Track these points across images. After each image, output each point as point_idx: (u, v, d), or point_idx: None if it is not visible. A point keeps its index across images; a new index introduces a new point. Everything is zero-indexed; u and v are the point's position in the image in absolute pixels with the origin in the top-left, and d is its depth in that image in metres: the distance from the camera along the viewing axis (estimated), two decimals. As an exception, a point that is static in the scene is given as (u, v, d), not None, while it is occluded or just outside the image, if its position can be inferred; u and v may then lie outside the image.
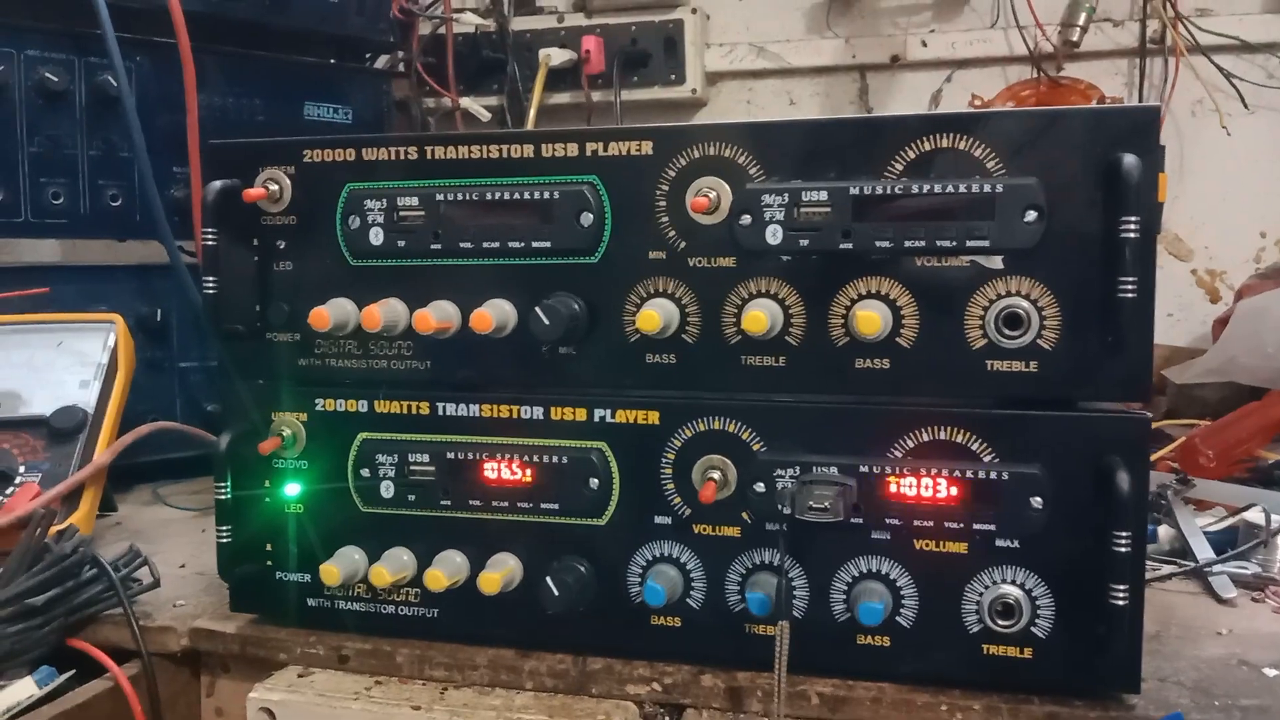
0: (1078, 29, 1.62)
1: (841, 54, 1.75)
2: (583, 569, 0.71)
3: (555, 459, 0.72)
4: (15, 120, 1.15)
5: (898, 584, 0.67)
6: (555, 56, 1.74)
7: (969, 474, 0.65)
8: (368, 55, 1.54)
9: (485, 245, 0.72)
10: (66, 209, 1.20)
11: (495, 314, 0.70)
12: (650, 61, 1.75)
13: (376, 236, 0.73)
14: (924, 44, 1.72)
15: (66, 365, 1.04)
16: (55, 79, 1.16)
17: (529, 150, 0.72)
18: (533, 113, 1.73)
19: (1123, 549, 0.61)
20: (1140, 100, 1.63)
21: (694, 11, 1.75)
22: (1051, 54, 1.65)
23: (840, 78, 1.78)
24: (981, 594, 0.66)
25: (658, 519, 0.71)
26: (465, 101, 1.73)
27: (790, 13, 1.79)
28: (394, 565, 0.74)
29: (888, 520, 0.66)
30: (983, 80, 1.71)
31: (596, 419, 0.72)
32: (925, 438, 0.66)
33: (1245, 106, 1.59)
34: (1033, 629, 0.65)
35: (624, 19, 1.76)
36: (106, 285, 1.23)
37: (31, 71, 1.15)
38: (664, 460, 0.71)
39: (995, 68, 1.71)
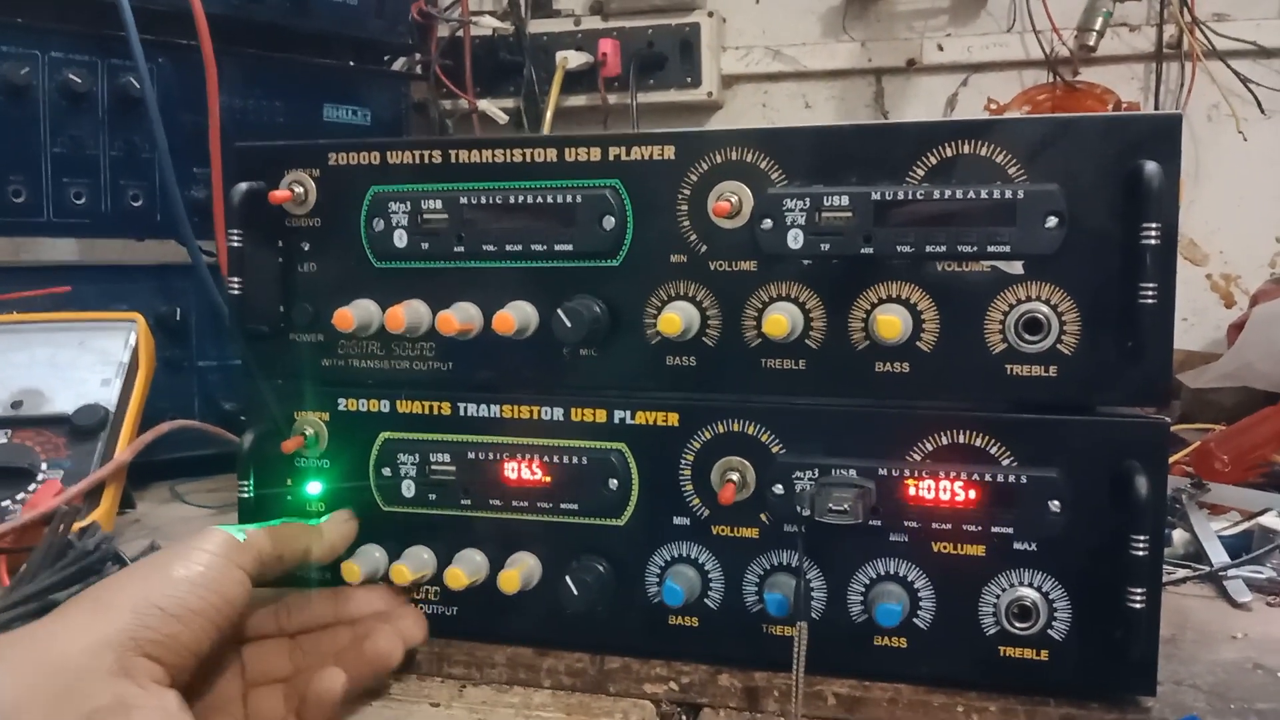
0: (1094, 34, 1.63)
1: (857, 57, 1.76)
2: (601, 569, 0.72)
3: (575, 459, 0.73)
4: (39, 121, 1.17)
5: (915, 586, 0.68)
6: (572, 59, 1.75)
7: (988, 477, 0.65)
8: (386, 58, 1.55)
9: (508, 248, 0.72)
10: (88, 209, 1.21)
11: (517, 316, 0.71)
12: (666, 64, 1.76)
13: (400, 239, 0.74)
14: (940, 48, 1.72)
15: (88, 364, 1.05)
16: (78, 80, 1.17)
17: (552, 154, 0.72)
18: (549, 115, 1.74)
19: (1141, 553, 0.62)
20: (1156, 105, 1.63)
21: (710, 15, 1.76)
22: (1068, 58, 1.66)
23: (856, 81, 1.79)
24: (999, 596, 0.66)
25: (676, 520, 0.72)
26: (483, 104, 1.74)
27: (806, 16, 1.80)
28: (414, 563, 0.74)
29: (906, 523, 0.67)
30: (999, 84, 1.72)
31: (616, 420, 0.72)
32: (944, 441, 0.66)
33: (1262, 111, 1.59)
34: (1049, 631, 0.66)
35: (640, 22, 1.77)
36: (126, 284, 1.25)
37: (55, 73, 1.17)
38: (683, 462, 0.71)
39: (1011, 72, 1.72)
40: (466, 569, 0.73)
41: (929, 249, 0.64)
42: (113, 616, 0.55)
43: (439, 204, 0.73)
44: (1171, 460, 1.11)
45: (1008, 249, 0.64)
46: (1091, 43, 1.63)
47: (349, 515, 0.76)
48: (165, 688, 0.55)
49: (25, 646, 0.54)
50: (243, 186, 0.76)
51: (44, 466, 0.96)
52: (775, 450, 0.69)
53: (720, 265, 0.70)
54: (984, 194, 0.63)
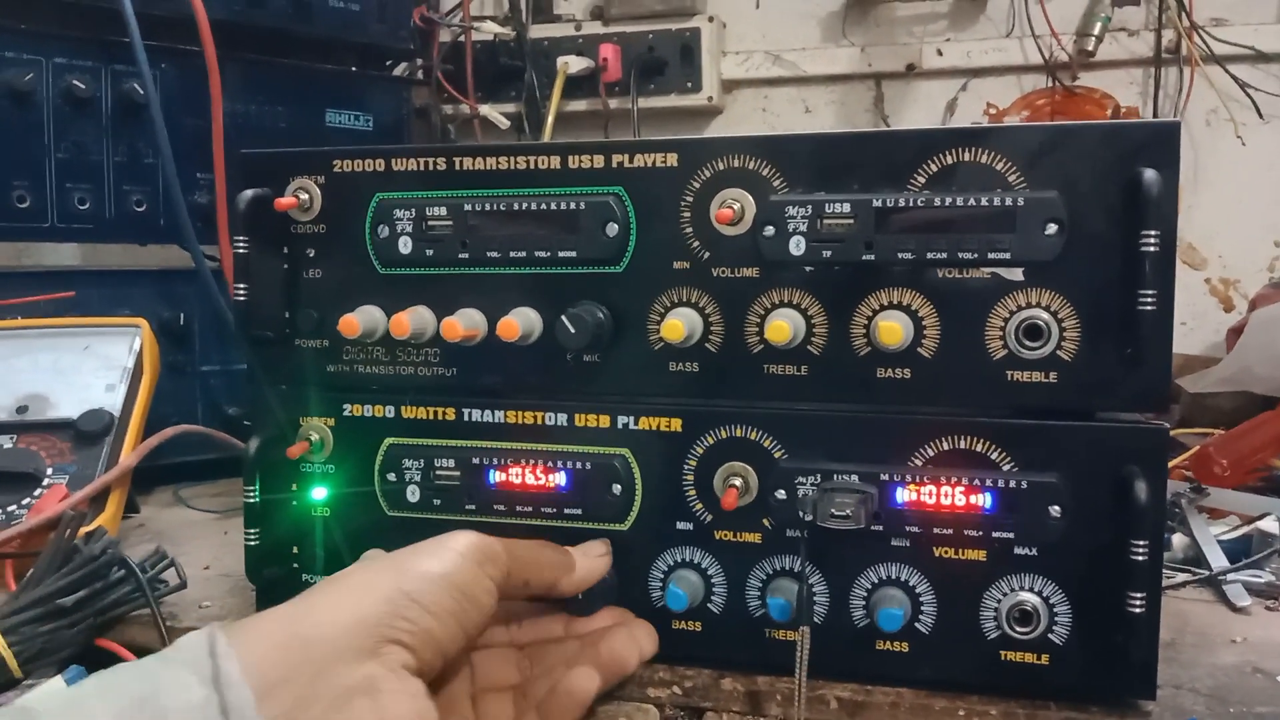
0: (1093, 38, 1.63)
1: (857, 62, 1.76)
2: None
3: (579, 465, 0.73)
4: (43, 127, 1.17)
5: (917, 591, 0.68)
6: (573, 64, 1.75)
7: (988, 482, 0.66)
8: (388, 63, 1.55)
9: (512, 254, 0.73)
10: (92, 214, 1.21)
11: (521, 322, 0.72)
12: (667, 69, 1.76)
13: (405, 245, 0.75)
14: (939, 53, 1.73)
15: (93, 369, 1.05)
16: (82, 86, 1.18)
17: (555, 161, 0.73)
18: (550, 120, 1.75)
19: (1140, 558, 0.62)
20: (1155, 110, 1.64)
21: (711, 20, 1.76)
22: (1067, 63, 1.66)
23: (855, 86, 1.79)
24: (1000, 601, 0.67)
25: (680, 525, 0.72)
26: (484, 109, 1.74)
27: (806, 21, 1.80)
28: (419, 568, 0.75)
29: (908, 528, 0.67)
30: (998, 89, 1.72)
31: (620, 426, 0.73)
32: (945, 446, 0.67)
33: (1260, 116, 1.60)
34: (1050, 636, 0.66)
35: (641, 27, 1.77)
36: (129, 289, 1.25)
37: (59, 79, 1.17)
38: (686, 467, 0.72)
39: (1010, 76, 1.72)
40: (471, 573, 0.74)
41: (930, 256, 0.65)
42: (366, 600, 0.55)
43: (443, 211, 0.74)
44: (1171, 465, 1.12)
45: (1008, 256, 0.64)
46: (1090, 48, 1.63)
47: (605, 549, 0.72)
48: (413, 675, 0.55)
49: (276, 624, 0.55)
50: (248, 193, 0.77)
51: (49, 471, 0.97)
52: (778, 456, 0.70)
53: (723, 272, 0.70)
54: (984, 201, 0.64)
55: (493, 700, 0.66)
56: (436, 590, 0.57)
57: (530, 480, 0.74)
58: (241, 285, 0.77)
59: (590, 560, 0.71)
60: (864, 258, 0.66)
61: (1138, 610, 0.62)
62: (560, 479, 0.73)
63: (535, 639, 0.71)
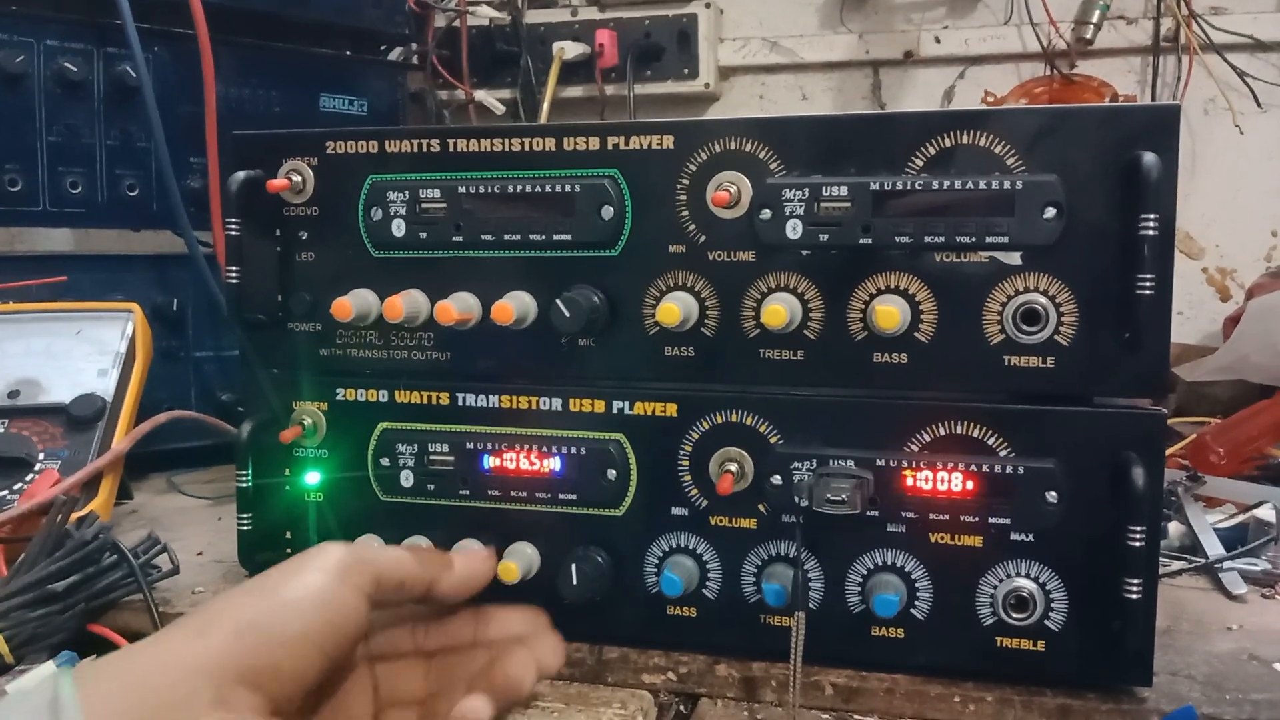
0: (1091, 26, 1.62)
1: (855, 49, 1.76)
2: (600, 559, 0.72)
3: (574, 450, 0.73)
4: (34, 110, 1.16)
5: (913, 576, 0.68)
6: (569, 50, 1.74)
7: (985, 468, 0.65)
8: (383, 47, 1.54)
9: (506, 237, 0.72)
10: (84, 198, 1.20)
11: (516, 305, 0.71)
12: (664, 55, 1.76)
13: (399, 228, 0.74)
14: (937, 40, 1.72)
15: (85, 353, 1.04)
16: (74, 69, 1.17)
17: (550, 144, 0.72)
18: (546, 106, 1.74)
19: (1137, 543, 0.62)
20: (1153, 98, 1.63)
21: (708, 6, 1.75)
22: (1065, 51, 1.65)
23: (853, 73, 1.78)
24: (996, 587, 0.66)
25: (675, 510, 0.72)
26: (479, 94, 1.74)
27: (804, 8, 1.80)
28: (413, 554, 0.74)
29: (904, 513, 0.67)
30: (996, 77, 1.71)
31: (615, 411, 0.72)
32: (942, 432, 0.66)
33: (1258, 105, 1.59)
34: (1046, 622, 0.66)
35: (638, 13, 1.76)
36: (122, 274, 1.24)
37: (51, 61, 1.16)
38: (682, 452, 0.71)
39: (1009, 64, 1.71)
40: (465, 559, 0.73)
41: (927, 239, 0.64)
42: (212, 641, 0.51)
43: (437, 193, 0.73)
44: (1167, 453, 1.12)
45: (1006, 240, 0.64)
46: (1088, 36, 1.63)
47: (489, 555, 0.69)
48: (266, 718, 0.51)
49: (118, 670, 0.51)
50: (240, 175, 0.76)
51: (41, 456, 0.96)
52: (773, 441, 0.69)
53: (719, 255, 0.70)
54: (982, 184, 0.63)
55: (396, 717, 0.63)
56: (287, 615, 0.53)
57: (525, 465, 0.73)
58: (233, 268, 0.76)
59: (470, 561, 0.67)
60: (861, 241, 0.65)
61: (1134, 596, 0.62)
62: (555, 464, 0.73)
63: (443, 646, 0.67)
